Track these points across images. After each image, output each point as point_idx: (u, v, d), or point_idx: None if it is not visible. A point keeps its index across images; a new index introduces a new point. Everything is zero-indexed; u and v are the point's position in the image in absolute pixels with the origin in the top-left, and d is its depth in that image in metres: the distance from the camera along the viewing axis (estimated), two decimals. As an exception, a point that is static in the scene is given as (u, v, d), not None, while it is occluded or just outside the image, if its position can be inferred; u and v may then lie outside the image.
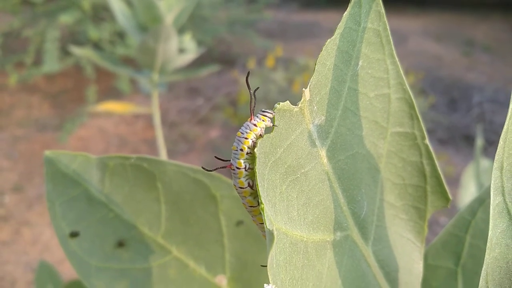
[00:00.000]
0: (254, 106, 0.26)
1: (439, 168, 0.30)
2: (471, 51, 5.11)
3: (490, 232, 0.23)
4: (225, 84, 4.17)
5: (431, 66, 4.53)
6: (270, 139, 0.24)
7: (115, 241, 0.40)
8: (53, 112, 3.81)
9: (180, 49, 1.36)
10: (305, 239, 0.24)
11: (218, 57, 4.42)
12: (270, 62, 3.47)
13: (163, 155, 1.34)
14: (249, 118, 0.26)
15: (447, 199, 0.31)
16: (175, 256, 0.41)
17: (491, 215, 0.23)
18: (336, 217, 0.26)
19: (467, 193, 1.13)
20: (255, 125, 0.25)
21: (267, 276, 0.23)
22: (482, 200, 0.38)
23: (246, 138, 0.25)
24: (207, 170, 0.27)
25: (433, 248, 0.38)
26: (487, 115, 3.71)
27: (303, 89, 0.25)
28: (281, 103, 0.24)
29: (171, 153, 3.16)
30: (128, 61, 3.45)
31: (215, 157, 0.27)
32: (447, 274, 0.37)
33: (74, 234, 0.39)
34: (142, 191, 0.41)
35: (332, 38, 0.26)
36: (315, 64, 0.25)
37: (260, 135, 0.25)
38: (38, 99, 3.98)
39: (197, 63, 1.76)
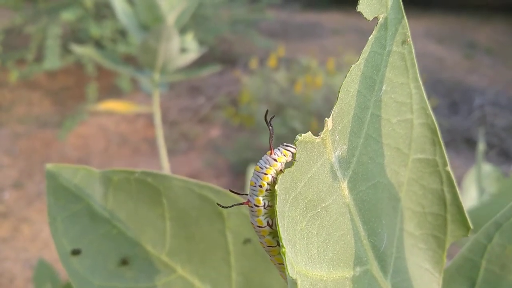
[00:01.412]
0: (272, 140, 0.25)
1: (460, 197, 0.29)
2: (473, 54, 5.10)
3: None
4: (226, 83, 4.16)
5: (433, 68, 4.52)
6: (290, 174, 0.22)
7: (118, 259, 0.39)
8: (54, 109, 3.79)
9: (181, 49, 1.35)
10: (324, 278, 0.23)
11: (219, 56, 4.41)
12: (272, 62, 3.46)
13: (163, 155, 1.33)
14: (269, 152, 0.24)
15: (467, 228, 0.29)
16: (180, 275, 0.40)
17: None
18: (356, 252, 0.25)
19: (468, 198, 1.12)
20: (275, 160, 0.24)
21: None
22: (499, 225, 0.36)
23: (265, 174, 0.24)
24: (223, 207, 0.26)
25: (447, 273, 0.37)
26: (488, 118, 3.70)
27: (326, 118, 0.24)
28: (302, 134, 0.23)
29: (171, 152, 3.15)
30: (129, 59, 3.44)
31: (230, 190, 0.25)
32: (462, 300, 0.36)
33: (76, 252, 0.38)
34: (146, 207, 0.40)
35: (356, 63, 0.25)
36: (339, 91, 0.24)
37: (281, 170, 0.24)
38: (39, 95, 3.96)
39: (199, 62, 1.74)
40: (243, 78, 3.51)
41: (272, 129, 0.25)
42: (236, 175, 3.03)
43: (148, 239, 0.40)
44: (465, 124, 3.64)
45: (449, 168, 0.28)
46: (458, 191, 0.29)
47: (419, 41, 5.28)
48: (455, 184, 0.29)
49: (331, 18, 6.10)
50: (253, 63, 3.60)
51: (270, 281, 0.41)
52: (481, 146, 1.08)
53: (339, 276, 0.24)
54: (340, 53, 4.02)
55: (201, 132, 3.56)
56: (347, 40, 5.08)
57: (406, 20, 0.26)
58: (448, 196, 0.29)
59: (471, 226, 0.30)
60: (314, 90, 3.11)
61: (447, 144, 3.38)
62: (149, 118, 3.58)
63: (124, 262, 0.39)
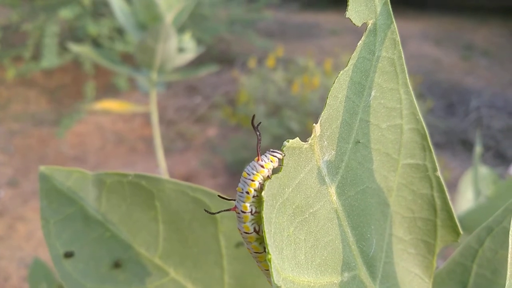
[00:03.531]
0: (259, 145, 0.25)
1: (450, 202, 0.29)
2: (470, 55, 5.11)
3: (508, 272, 0.22)
4: (224, 83, 4.16)
5: (430, 70, 4.52)
6: (278, 180, 0.22)
7: (111, 262, 0.39)
8: (50, 107, 3.78)
9: (179, 49, 1.35)
10: (312, 284, 0.23)
11: (217, 56, 4.40)
12: (270, 62, 3.46)
13: (160, 155, 1.33)
14: (256, 158, 0.24)
15: (457, 233, 0.29)
16: (172, 278, 0.40)
17: (509, 256, 0.22)
18: (344, 257, 0.25)
19: (464, 200, 1.12)
20: (262, 166, 0.24)
21: None
22: (491, 229, 0.37)
23: (252, 180, 0.24)
24: (210, 213, 0.26)
25: (439, 277, 0.37)
26: (484, 120, 3.71)
27: (314, 124, 0.24)
28: (290, 140, 0.23)
29: (168, 152, 3.15)
30: (127, 58, 3.43)
31: (219, 195, 0.25)
32: (453, 304, 0.36)
33: (68, 255, 0.38)
34: (139, 210, 0.40)
35: (345, 69, 0.25)
36: (327, 97, 0.24)
37: (268, 176, 0.24)
38: (35, 93, 3.95)
39: (196, 61, 1.75)
40: (241, 78, 3.51)
41: (259, 134, 0.25)
42: (232, 174, 3.03)
43: (141, 242, 0.40)
44: (462, 125, 3.65)
45: (439, 173, 0.29)
46: (448, 196, 0.29)
47: (416, 43, 5.28)
48: (445, 189, 0.29)
49: (329, 19, 6.10)
50: (252, 63, 3.59)
51: (263, 284, 0.41)
52: (478, 149, 1.08)
53: (327, 282, 0.24)
54: (337, 54, 4.02)
55: (198, 131, 3.56)
56: (345, 41, 5.08)
57: (395, 26, 0.26)
58: (438, 202, 0.29)
59: (461, 232, 0.30)
60: (311, 91, 3.11)
61: (443, 146, 3.39)
62: (146, 117, 3.57)
63: (116, 265, 0.39)
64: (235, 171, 3.04)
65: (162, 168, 1.33)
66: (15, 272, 2.27)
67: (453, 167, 3.08)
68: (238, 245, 0.40)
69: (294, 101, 3.14)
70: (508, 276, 0.23)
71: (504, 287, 0.23)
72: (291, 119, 2.96)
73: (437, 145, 3.39)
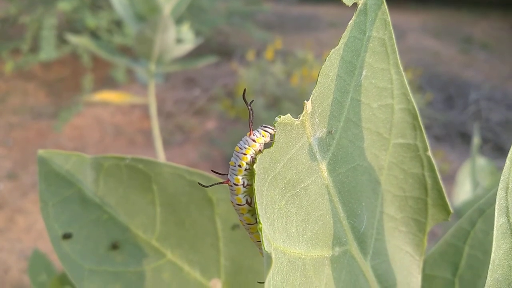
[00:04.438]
0: (252, 120, 0.25)
1: (440, 181, 0.29)
2: (469, 49, 5.10)
3: (493, 254, 0.22)
4: (222, 75, 4.15)
5: (429, 63, 4.52)
6: (269, 154, 0.23)
7: (108, 243, 0.39)
8: (49, 100, 3.78)
9: (177, 40, 1.35)
10: (303, 256, 0.23)
11: (215, 48, 4.39)
12: (269, 54, 3.45)
13: (158, 146, 1.33)
14: (248, 133, 0.25)
15: (447, 212, 0.30)
16: (169, 259, 0.40)
17: (494, 236, 0.22)
18: (335, 232, 0.26)
19: (462, 191, 1.13)
20: (254, 140, 0.25)
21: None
22: (482, 211, 0.37)
23: (244, 154, 0.24)
24: (204, 186, 0.26)
25: (431, 258, 0.38)
26: (483, 113, 3.71)
27: (305, 101, 0.24)
28: (282, 116, 0.23)
29: (166, 144, 3.15)
30: (125, 50, 3.43)
31: (212, 170, 0.26)
32: (444, 285, 0.37)
33: (67, 236, 0.38)
34: (137, 192, 0.40)
35: (336, 48, 0.25)
36: (318, 75, 0.24)
37: (260, 150, 0.24)
38: (34, 86, 3.95)
39: (194, 53, 1.74)
40: (240, 70, 3.51)
41: (251, 109, 0.25)
42: (231, 167, 3.03)
43: (138, 224, 0.40)
44: (460, 118, 3.66)
45: (429, 153, 0.29)
46: (439, 176, 0.29)
47: (415, 35, 5.27)
48: (436, 168, 0.29)
49: (328, 11, 6.08)
50: (250, 55, 3.59)
51: (258, 265, 0.42)
52: (476, 140, 1.09)
53: (317, 255, 0.24)
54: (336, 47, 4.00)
55: (196, 124, 3.56)
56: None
57: (386, 6, 0.26)
58: (429, 181, 0.30)
59: (452, 210, 0.30)
60: (310, 83, 3.11)
61: (442, 139, 3.39)
62: (144, 109, 3.57)
63: (114, 246, 0.40)
64: (233, 164, 3.04)
65: (161, 160, 1.33)
66: (15, 264, 2.28)
67: (451, 159, 3.09)
68: (234, 227, 0.41)
69: (293, 93, 3.14)
70: (492, 257, 0.24)
71: (489, 268, 0.24)
72: (290, 112, 2.95)
73: (436, 138, 3.39)
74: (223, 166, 3.07)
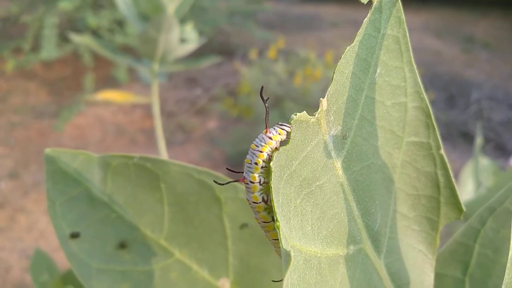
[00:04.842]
0: (268, 118, 0.25)
1: (453, 179, 0.29)
2: (470, 48, 5.10)
3: (510, 252, 0.22)
4: (224, 74, 4.15)
5: (431, 62, 4.52)
6: (285, 152, 0.23)
7: (116, 242, 0.39)
8: (50, 99, 3.78)
9: (181, 39, 1.35)
10: (318, 254, 0.23)
11: (217, 47, 4.39)
12: (272, 53, 3.45)
13: (161, 146, 1.33)
14: (264, 130, 0.25)
15: (460, 210, 0.30)
16: (177, 258, 0.40)
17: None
18: (350, 231, 0.26)
19: (465, 191, 1.12)
20: (270, 138, 0.24)
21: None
22: (493, 209, 0.37)
23: (261, 152, 0.24)
24: (219, 184, 0.26)
25: (441, 257, 0.38)
26: (485, 112, 3.71)
27: (321, 98, 0.24)
28: (298, 114, 0.23)
29: (168, 143, 3.14)
30: (126, 50, 3.42)
31: (227, 168, 0.26)
32: (455, 283, 0.37)
33: (74, 235, 0.38)
34: (145, 191, 0.40)
35: (351, 45, 0.25)
36: (333, 72, 0.24)
37: (276, 148, 0.24)
38: (35, 85, 3.95)
39: (196, 53, 1.74)
40: (242, 69, 3.51)
41: (268, 107, 0.25)
42: (233, 167, 3.02)
43: (146, 223, 0.40)
44: (462, 118, 3.65)
45: (442, 151, 0.29)
46: (452, 174, 0.29)
47: (417, 35, 5.27)
48: (449, 167, 0.29)
49: (330, 11, 6.08)
50: (253, 54, 3.58)
51: (267, 265, 0.42)
52: (479, 140, 1.08)
53: (333, 254, 0.24)
54: (338, 46, 4.01)
55: (198, 123, 3.56)
56: (345, 33, 5.07)
57: (400, 4, 0.26)
58: (441, 179, 0.30)
59: (464, 209, 0.30)
60: (312, 83, 3.11)
61: (444, 138, 3.38)
62: (146, 109, 3.57)
63: (122, 245, 0.40)
64: (235, 163, 3.05)
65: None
66: (16, 264, 2.28)
67: (453, 159, 3.09)
68: (243, 226, 0.41)
69: (295, 93, 3.13)
70: (510, 255, 0.23)
71: (506, 266, 0.24)
72: (292, 111, 2.95)
73: (437, 137, 3.39)
74: (224, 166, 3.07)
